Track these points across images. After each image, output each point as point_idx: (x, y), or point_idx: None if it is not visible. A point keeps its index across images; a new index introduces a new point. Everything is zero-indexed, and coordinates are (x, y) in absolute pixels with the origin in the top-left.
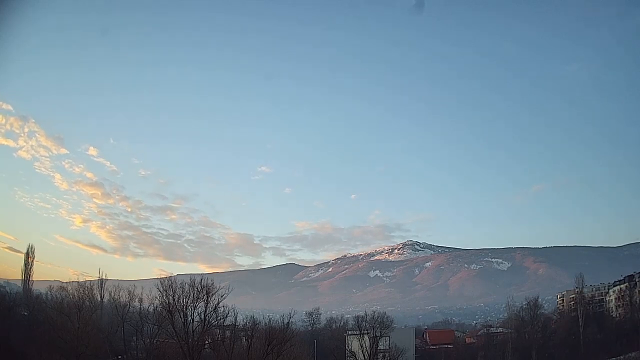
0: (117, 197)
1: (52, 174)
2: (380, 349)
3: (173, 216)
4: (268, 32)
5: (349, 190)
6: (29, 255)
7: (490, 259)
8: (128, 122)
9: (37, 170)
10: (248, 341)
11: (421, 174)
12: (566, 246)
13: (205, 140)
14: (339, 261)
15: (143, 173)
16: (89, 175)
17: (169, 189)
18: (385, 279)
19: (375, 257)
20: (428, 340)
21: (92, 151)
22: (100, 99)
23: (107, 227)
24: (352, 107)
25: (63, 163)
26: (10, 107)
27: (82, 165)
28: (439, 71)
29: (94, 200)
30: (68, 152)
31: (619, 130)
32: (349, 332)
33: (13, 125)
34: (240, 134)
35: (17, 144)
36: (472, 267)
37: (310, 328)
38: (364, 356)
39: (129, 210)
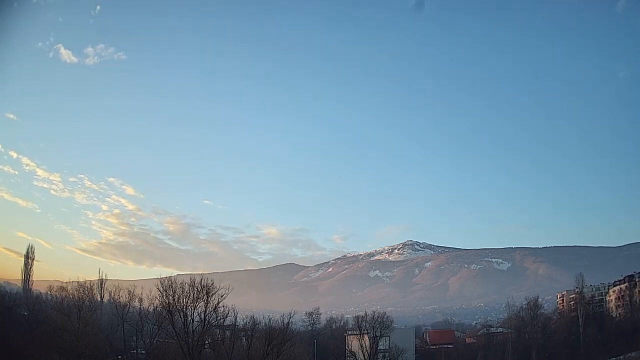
0: (135, 224)
1: (84, 209)
2: (380, 349)
3: (182, 235)
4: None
5: (336, 207)
6: (28, 255)
7: (490, 259)
8: (146, 172)
9: (75, 206)
10: (248, 341)
11: (419, 175)
12: (566, 246)
13: (209, 183)
14: (339, 261)
15: (160, 212)
16: (115, 211)
17: (179, 220)
18: (385, 279)
19: (375, 257)
20: (428, 340)
21: (119, 197)
22: (126, 159)
23: (127, 244)
24: (338, 113)
25: (95, 202)
26: (46, 167)
27: (111, 204)
28: (429, 76)
29: (119, 227)
30: (100, 197)
31: (619, 130)
32: (349, 332)
33: (51, 176)
34: (238, 178)
35: (57, 187)
36: (472, 267)
37: (310, 328)
38: (364, 356)
39: (145, 232)
